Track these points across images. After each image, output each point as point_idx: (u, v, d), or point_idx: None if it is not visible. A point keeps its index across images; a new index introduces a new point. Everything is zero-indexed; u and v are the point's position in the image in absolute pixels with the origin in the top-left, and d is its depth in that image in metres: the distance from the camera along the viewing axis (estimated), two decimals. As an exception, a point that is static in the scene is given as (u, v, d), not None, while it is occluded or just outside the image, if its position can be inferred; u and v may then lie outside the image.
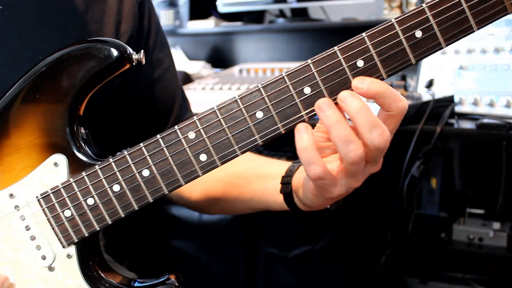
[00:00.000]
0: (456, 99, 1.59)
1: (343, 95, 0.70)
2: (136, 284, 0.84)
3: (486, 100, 1.52)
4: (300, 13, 2.30)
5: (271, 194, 0.94)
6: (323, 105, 0.71)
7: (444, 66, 1.67)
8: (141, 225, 1.84)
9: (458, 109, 1.58)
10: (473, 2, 0.69)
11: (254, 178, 1.00)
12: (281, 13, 2.41)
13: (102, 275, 0.84)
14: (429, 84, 1.66)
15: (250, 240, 1.95)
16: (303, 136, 0.71)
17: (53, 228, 0.81)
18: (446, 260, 1.73)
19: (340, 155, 0.71)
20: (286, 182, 0.90)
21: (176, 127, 0.75)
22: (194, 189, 1.09)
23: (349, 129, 0.70)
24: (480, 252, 1.66)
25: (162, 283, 0.82)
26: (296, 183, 0.89)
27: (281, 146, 1.82)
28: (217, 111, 0.74)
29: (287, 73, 0.73)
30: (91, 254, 0.83)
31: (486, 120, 1.43)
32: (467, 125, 1.50)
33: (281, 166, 0.95)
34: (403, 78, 1.70)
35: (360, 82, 0.70)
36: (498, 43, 1.55)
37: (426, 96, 1.57)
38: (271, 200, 0.94)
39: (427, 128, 1.49)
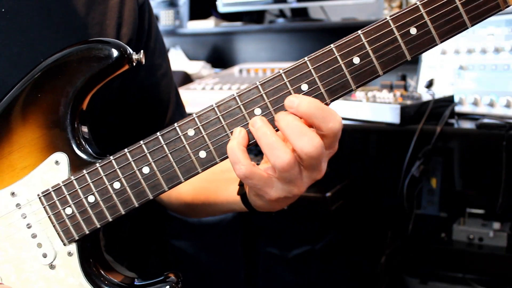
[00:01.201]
0: (456, 99, 1.59)
1: (277, 115, 0.73)
2: (137, 283, 0.85)
3: (486, 100, 1.53)
4: (300, 13, 2.30)
5: (231, 196, 0.94)
6: (255, 119, 0.73)
7: (444, 66, 1.67)
8: (141, 225, 1.85)
9: (458, 109, 1.58)
10: None
11: (220, 182, 1.01)
12: (281, 13, 2.42)
13: (103, 273, 0.84)
14: (429, 84, 1.66)
15: (250, 240, 1.95)
16: (234, 137, 0.73)
17: (54, 226, 0.81)
18: (446, 260, 1.74)
19: (271, 164, 0.73)
20: (242, 184, 0.91)
21: (175, 124, 0.76)
22: (170, 194, 1.10)
23: (275, 137, 0.71)
24: (480, 252, 1.67)
25: (162, 281, 0.82)
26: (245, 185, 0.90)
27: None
28: (215, 108, 0.75)
29: (285, 71, 0.73)
30: (91, 251, 0.83)
31: (486, 120, 1.43)
32: (467, 125, 1.51)
33: None
34: (403, 78, 1.71)
35: (291, 102, 0.72)
36: (498, 43, 1.55)
37: (426, 96, 1.57)
38: (232, 202, 0.95)
39: (427, 128, 1.49)
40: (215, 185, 1.01)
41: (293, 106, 0.71)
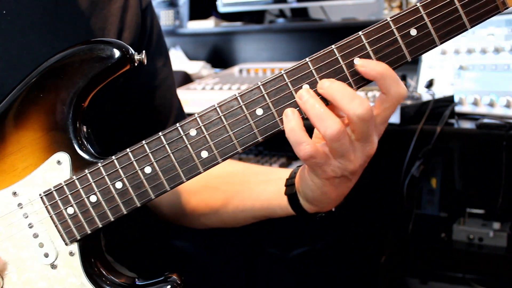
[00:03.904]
0: (456, 99, 1.59)
1: (321, 82, 0.73)
2: (138, 283, 0.85)
3: (486, 100, 1.53)
4: (300, 13, 2.30)
5: (273, 198, 0.93)
6: (301, 93, 0.73)
7: (444, 66, 1.67)
8: (141, 225, 1.85)
9: (458, 109, 1.59)
10: (465, 0, 0.70)
11: (255, 185, 0.99)
12: (281, 13, 2.42)
13: (104, 273, 0.84)
14: (429, 84, 1.67)
15: (250, 240, 1.95)
16: (290, 119, 0.73)
17: (56, 226, 0.81)
18: (446, 260, 1.74)
19: (322, 136, 0.73)
20: (290, 184, 0.90)
21: (177, 124, 0.76)
22: (189, 201, 1.08)
23: (324, 108, 0.72)
24: (480, 252, 1.67)
25: (163, 281, 0.82)
26: (297, 179, 0.88)
27: (282, 145, 1.83)
28: (217, 108, 0.75)
29: (286, 71, 0.74)
30: (93, 251, 0.84)
31: (486, 120, 1.44)
32: (467, 125, 1.51)
33: (283, 171, 0.95)
34: (403, 78, 1.71)
35: (366, 61, 0.72)
36: (498, 43, 1.56)
37: (426, 96, 1.58)
38: (274, 204, 0.93)
39: (427, 128, 1.49)
40: (249, 188, 0.99)
41: (368, 65, 0.72)
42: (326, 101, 0.73)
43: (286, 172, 0.93)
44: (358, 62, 0.72)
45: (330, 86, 0.72)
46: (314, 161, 0.74)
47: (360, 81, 0.73)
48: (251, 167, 1.07)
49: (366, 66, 0.72)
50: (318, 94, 0.73)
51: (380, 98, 0.73)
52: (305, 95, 0.73)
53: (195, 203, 1.07)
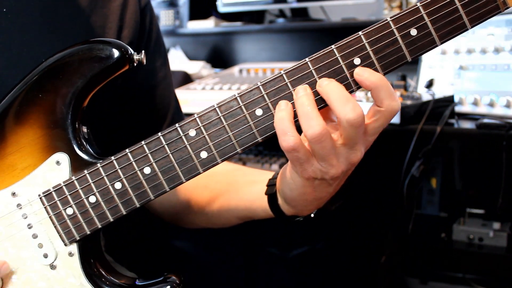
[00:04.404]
0: (456, 99, 1.59)
1: (320, 80, 0.73)
2: (138, 283, 0.85)
3: (486, 100, 1.53)
4: (300, 13, 2.30)
5: (256, 199, 0.93)
6: (298, 89, 0.73)
7: (444, 66, 1.67)
8: (141, 225, 1.85)
9: (458, 109, 1.59)
10: (466, 0, 0.70)
11: (242, 185, 0.99)
12: (281, 13, 2.42)
13: (104, 273, 0.84)
14: (429, 84, 1.67)
15: (250, 240, 1.95)
16: (282, 108, 0.73)
17: (55, 226, 0.81)
18: (446, 260, 1.74)
19: (304, 134, 0.72)
20: (271, 184, 0.90)
21: (177, 124, 0.76)
22: (179, 199, 1.08)
23: (313, 107, 0.71)
24: (480, 252, 1.67)
25: (163, 281, 0.82)
26: (278, 178, 0.88)
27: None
28: (217, 108, 0.75)
29: (286, 71, 0.73)
30: (92, 252, 0.84)
31: (486, 120, 1.44)
32: (467, 125, 1.51)
33: (270, 173, 0.94)
34: (403, 78, 1.71)
35: (362, 70, 0.72)
36: (498, 43, 1.56)
37: (426, 96, 1.58)
38: (256, 205, 0.93)
39: (427, 128, 1.49)
40: (235, 188, 1.00)
41: (363, 74, 0.71)
42: (324, 102, 0.73)
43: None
44: (356, 70, 0.72)
45: (328, 85, 0.72)
46: (296, 155, 0.73)
47: None
48: (241, 168, 1.07)
49: (362, 75, 0.72)
50: (318, 94, 0.73)
51: (373, 109, 0.73)
52: (300, 92, 0.73)
53: (185, 201, 1.08)
